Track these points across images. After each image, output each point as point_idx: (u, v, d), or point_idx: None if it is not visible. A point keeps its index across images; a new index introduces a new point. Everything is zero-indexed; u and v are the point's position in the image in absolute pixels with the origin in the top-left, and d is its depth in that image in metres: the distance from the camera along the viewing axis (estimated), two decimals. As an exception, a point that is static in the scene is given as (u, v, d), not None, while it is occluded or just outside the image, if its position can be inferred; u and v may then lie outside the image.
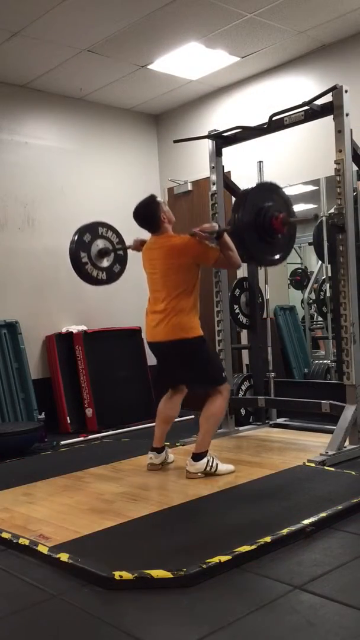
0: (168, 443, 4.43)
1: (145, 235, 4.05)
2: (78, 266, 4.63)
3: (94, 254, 4.68)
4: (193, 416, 3.92)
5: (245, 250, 3.91)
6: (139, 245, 4.18)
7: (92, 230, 4.71)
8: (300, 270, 6.72)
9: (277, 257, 4.18)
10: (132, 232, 4.19)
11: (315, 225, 5.63)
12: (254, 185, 4.28)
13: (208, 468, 3.72)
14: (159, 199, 3.98)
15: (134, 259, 4.45)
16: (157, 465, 3.98)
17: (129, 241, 4.50)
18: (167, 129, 6.80)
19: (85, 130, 6.36)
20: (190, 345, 3.79)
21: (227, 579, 2.40)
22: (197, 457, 3.74)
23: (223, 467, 3.78)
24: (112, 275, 4.82)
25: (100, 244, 4.72)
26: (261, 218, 3.90)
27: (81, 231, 4.65)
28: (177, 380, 4.05)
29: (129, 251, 4.60)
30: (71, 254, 4.63)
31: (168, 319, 3.78)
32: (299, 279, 6.60)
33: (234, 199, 5.20)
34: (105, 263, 4.75)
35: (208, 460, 3.74)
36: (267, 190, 4.12)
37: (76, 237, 4.62)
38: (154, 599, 2.28)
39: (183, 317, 3.78)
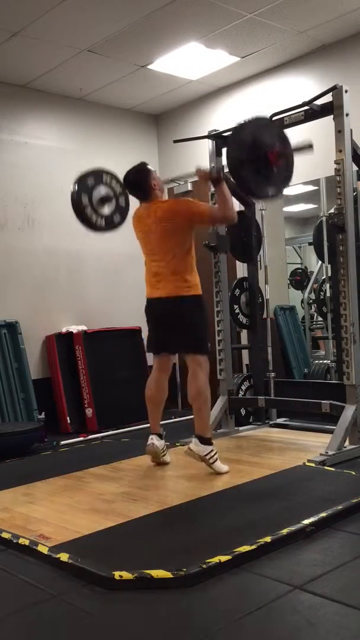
0: (168, 443, 4.44)
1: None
2: (78, 209, 4.55)
3: (95, 199, 4.61)
4: (193, 416, 3.91)
5: (241, 184, 3.77)
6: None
7: (96, 175, 4.62)
8: (300, 270, 6.73)
9: (275, 190, 3.96)
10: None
11: (315, 225, 5.64)
12: (247, 119, 4.16)
13: (209, 457, 3.74)
14: (149, 166, 3.98)
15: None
16: (157, 450, 3.97)
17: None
18: (167, 129, 6.80)
19: (85, 130, 6.36)
20: (188, 303, 3.82)
21: (227, 579, 2.40)
22: (203, 440, 3.76)
23: (220, 465, 3.78)
24: (111, 224, 4.71)
25: (102, 191, 4.66)
26: (256, 151, 3.75)
27: (85, 175, 4.52)
28: (168, 344, 4.00)
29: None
30: (72, 196, 4.56)
31: (169, 277, 3.82)
32: (299, 279, 6.61)
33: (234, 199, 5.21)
34: (106, 210, 4.68)
35: (211, 450, 3.75)
36: (262, 125, 3.96)
37: (78, 180, 4.49)
38: (154, 599, 2.28)
39: (184, 275, 3.82)
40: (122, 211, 4.71)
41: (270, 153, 3.78)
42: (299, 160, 5.56)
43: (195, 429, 3.84)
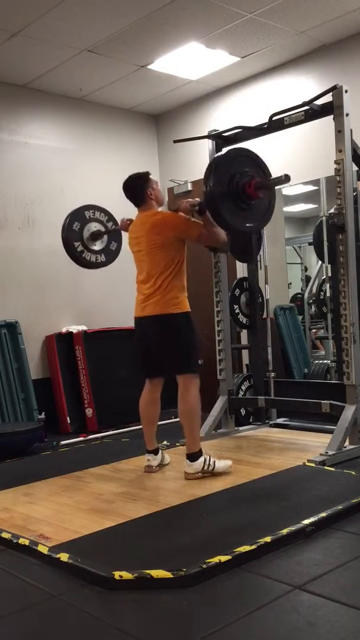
0: (168, 443, 4.44)
1: (133, 213, 4.02)
2: (75, 256, 4.62)
3: (86, 239, 4.66)
4: (184, 433, 3.89)
5: (220, 219, 3.80)
6: (127, 224, 4.14)
7: (79, 217, 4.66)
8: (300, 296, 6.71)
9: (254, 223, 4.07)
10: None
11: (316, 225, 5.63)
12: (222, 152, 4.16)
13: (206, 467, 3.71)
14: (152, 176, 3.98)
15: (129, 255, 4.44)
16: (154, 468, 3.96)
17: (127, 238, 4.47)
18: (167, 129, 6.80)
19: (85, 130, 6.36)
20: (175, 321, 3.77)
21: (227, 579, 2.40)
22: (192, 457, 3.73)
23: (221, 463, 3.77)
24: (111, 255, 4.78)
25: (91, 227, 4.70)
26: (234, 185, 3.81)
27: (70, 221, 4.61)
28: (158, 364, 3.95)
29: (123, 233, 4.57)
30: (65, 247, 4.61)
31: (156, 296, 3.78)
32: (300, 303, 6.58)
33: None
34: (100, 245, 4.73)
35: (205, 459, 3.72)
36: (238, 156, 4.03)
37: (65, 229, 4.59)
38: (154, 599, 2.28)
39: (171, 293, 3.77)
40: (116, 237, 4.77)
41: (247, 186, 3.81)
42: (299, 160, 5.63)
43: (186, 448, 3.78)
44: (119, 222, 4.35)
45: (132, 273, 4.48)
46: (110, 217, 4.77)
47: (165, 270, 3.77)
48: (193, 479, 3.70)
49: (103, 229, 4.72)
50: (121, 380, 5.89)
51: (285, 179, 3.75)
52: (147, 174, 3.96)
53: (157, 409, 4.07)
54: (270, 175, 4.13)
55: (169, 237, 3.77)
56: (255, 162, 4.08)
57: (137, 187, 3.90)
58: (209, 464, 3.73)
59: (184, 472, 3.75)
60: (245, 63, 5.65)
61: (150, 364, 4.00)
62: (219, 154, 4.12)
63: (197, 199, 3.92)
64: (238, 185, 3.82)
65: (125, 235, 4.58)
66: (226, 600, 2.26)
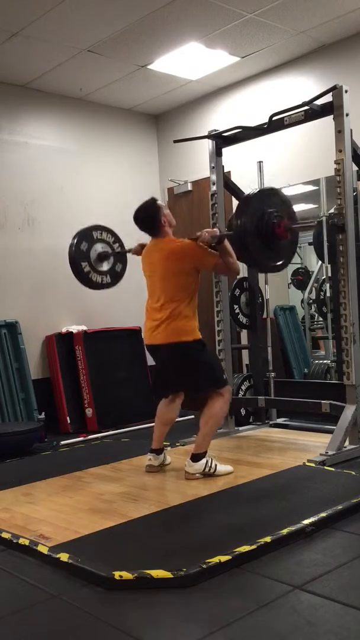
0: (168, 443, 4.43)
1: (146, 239, 4.04)
2: (83, 277, 4.67)
3: (94, 259, 4.71)
4: (193, 416, 3.91)
5: (248, 257, 3.91)
6: (140, 249, 4.16)
7: (87, 237, 4.71)
8: (302, 270, 6.72)
9: (279, 263, 4.18)
10: (132, 232, 4.18)
11: (315, 225, 5.63)
12: (256, 190, 4.26)
13: (207, 469, 3.72)
14: (159, 202, 3.96)
15: (134, 259, 4.45)
16: (155, 467, 3.97)
17: (127, 242, 4.50)
18: (167, 129, 6.80)
19: (85, 130, 6.36)
20: (189, 349, 3.77)
21: (227, 579, 2.40)
22: (195, 457, 3.74)
23: (222, 467, 3.78)
24: (117, 276, 4.84)
25: (98, 248, 4.74)
26: (264, 224, 3.88)
27: (77, 241, 4.66)
28: (176, 385, 4.00)
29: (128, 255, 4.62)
30: (73, 268, 4.66)
31: (167, 323, 3.76)
32: (301, 278, 6.59)
33: (234, 199, 5.22)
34: (106, 266, 4.78)
35: (207, 461, 3.73)
36: (269, 195, 4.10)
37: (74, 248, 4.64)
38: (154, 599, 2.28)
39: (182, 321, 3.75)
40: (122, 258, 4.81)
41: (277, 227, 3.88)
42: (299, 160, 5.63)
43: (194, 447, 3.79)
44: (133, 248, 4.34)
45: (133, 273, 4.50)
46: (117, 239, 4.82)
47: (177, 297, 3.76)
48: (193, 479, 3.70)
49: (110, 250, 4.75)
50: (121, 380, 5.90)
51: (316, 225, 3.85)
52: (154, 201, 3.92)
53: (175, 413, 4.10)
54: (297, 219, 4.19)
55: (185, 266, 3.77)
56: (285, 204, 4.11)
57: (150, 219, 3.87)
58: (210, 467, 3.73)
59: (185, 470, 3.75)
60: (245, 63, 5.65)
61: (167, 387, 4.03)
62: (252, 192, 4.18)
63: (217, 230, 3.93)
64: (268, 224, 3.89)
65: (130, 259, 4.61)
66: (226, 600, 2.25)
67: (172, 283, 3.78)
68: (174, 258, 3.78)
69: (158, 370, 4.08)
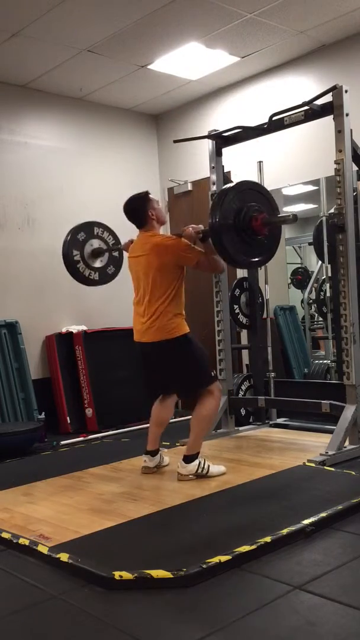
0: (168, 443, 4.44)
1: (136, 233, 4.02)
2: (69, 263, 4.68)
3: (87, 253, 4.71)
4: (191, 417, 3.90)
5: (223, 251, 3.76)
6: (129, 244, 4.13)
7: (87, 229, 4.73)
8: (301, 270, 6.73)
9: (258, 259, 4.04)
10: (131, 233, 4.17)
11: (316, 225, 5.63)
12: (232, 184, 4.09)
13: (199, 470, 3.71)
14: (152, 196, 3.94)
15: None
16: (151, 469, 3.96)
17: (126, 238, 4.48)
18: (167, 129, 6.80)
19: (85, 130, 6.36)
20: (175, 346, 3.75)
21: (227, 579, 2.40)
22: (188, 459, 3.73)
23: (215, 468, 3.77)
24: (105, 277, 4.84)
25: (94, 243, 4.74)
26: (240, 219, 3.75)
27: (76, 229, 4.71)
28: (166, 386, 4.00)
29: (125, 253, 4.60)
30: (63, 251, 4.68)
31: (152, 321, 3.75)
32: (301, 278, 6.60)
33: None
34: (98, 264, 4.78)
35: (199, 462, 3.72)
36: (248, 190, 3.95)
37: (69, 235, 4.68)
38: (154, 599, 2.28)
39: (166, 319, 3.74)
40: (116, 262, 4.84)
41: (254, 220, 3.75)
42: (299, 160, 5.63)
43: (186, 449, 3.79)
44: (123, 244, 4.34)
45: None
46: (117, 242, 4.83)
47: (161, 295, 3.74)
48: (185, 481, 3.70)
49: (105, 247, 4.76)
50: (121, 380, 5.90)
51: (293, 218, 3.75)
52: (146, 193, 3.92)
53: (169, 413, 4.09)
54: (279, 212, 4.08)
55: (168, 261, 3.73)
56: (265, 198, 3.99)
57: (138, 209, 3.86)
58: (203, 467, 3.72)
59: (177, 472, 3.75)
60: (245, 63, 5.65)
61: (156, 386, 4.04)
62: (229, 185, 4.03)
63: (201, 226, 3.86)
64: (245, 219, 3.76)
65: (126, 261, 4.61)
66: (226, 600, 2.25)
67: (156, 280, 3.75)
68: (156, 252, 3.75)
69: (146, 370, 4.03)
